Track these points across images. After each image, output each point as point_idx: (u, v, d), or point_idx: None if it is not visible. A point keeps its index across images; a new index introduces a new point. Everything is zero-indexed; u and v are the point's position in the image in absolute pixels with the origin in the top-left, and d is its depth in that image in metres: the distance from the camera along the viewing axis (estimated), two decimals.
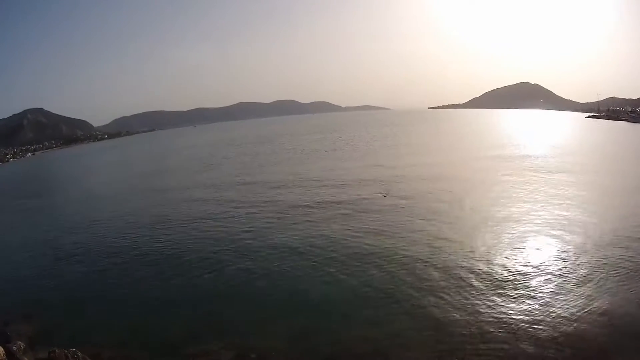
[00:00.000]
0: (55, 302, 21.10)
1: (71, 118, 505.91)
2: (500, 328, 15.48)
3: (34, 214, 45.22)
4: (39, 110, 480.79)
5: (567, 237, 24.57)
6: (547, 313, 16.22)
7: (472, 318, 16.21)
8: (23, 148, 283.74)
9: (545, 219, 28.33)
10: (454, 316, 16.54)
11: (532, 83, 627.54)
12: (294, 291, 20.04)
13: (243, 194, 44.50)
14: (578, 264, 20.67)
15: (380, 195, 32.56)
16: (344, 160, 67.61)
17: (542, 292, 17.95)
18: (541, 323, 15.54)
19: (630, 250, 21.92)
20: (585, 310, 16.39)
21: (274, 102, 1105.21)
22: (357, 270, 21.81)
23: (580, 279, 19.03)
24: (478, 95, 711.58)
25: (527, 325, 15.46)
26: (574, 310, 16.41)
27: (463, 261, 21.68)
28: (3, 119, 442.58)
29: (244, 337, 16.23)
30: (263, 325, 17.13)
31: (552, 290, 18.20)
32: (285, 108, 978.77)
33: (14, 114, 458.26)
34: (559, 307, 16.65)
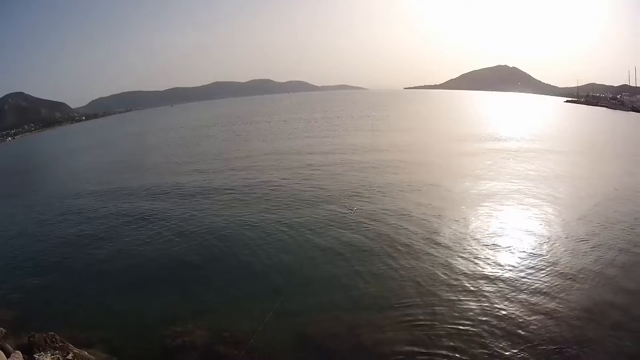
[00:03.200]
0: (34, 286, 20.98)
1: (50, 100, 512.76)
2: (479, 311, 15.95)
3: (11, 198, 44.01)
4: (20, 95, 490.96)
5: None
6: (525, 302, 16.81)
7: (452, 304, 16.52)
8: (3, 132, 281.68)
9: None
10: (431, 300, 16.84)
11: (510, 66, 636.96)
12: (269, 271, 20.21)
13: (223, 174, 44.38)
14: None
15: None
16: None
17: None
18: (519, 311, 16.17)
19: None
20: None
21: (250, 81, 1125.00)
22: (334, 251, 21.97)
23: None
24: (455, 77, 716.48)
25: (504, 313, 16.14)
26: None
27: (442, 249, 21.82)
28: None
29: (218, 318, 16.39)
30: (237, 305, 17.38)
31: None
32: (262, 87, 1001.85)
33: None
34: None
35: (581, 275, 18.23)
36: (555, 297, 16.56)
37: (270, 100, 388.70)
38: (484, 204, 28.89)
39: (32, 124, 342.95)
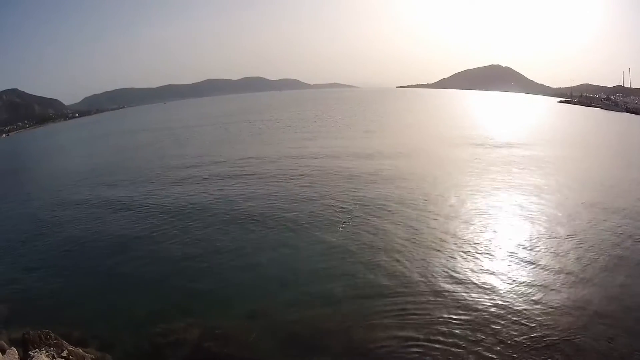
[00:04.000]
0: (28, 283, 21.05)
1: (44, 97, 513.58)
2: (472, 308, 16.13)
3: (5, 194, 44.24)
4: (14, 91, 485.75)
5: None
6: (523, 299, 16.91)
7: (445, 301, 16.72)
8: None
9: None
10: (423, 298, 16.98)
11: (503, 66, 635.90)
12: (260, 269, 20.39)
13: (218, 168, 44.74)
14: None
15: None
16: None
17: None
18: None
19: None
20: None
21: (242, 78, 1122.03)
22: (325, 248, 22.16)
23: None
24: (448, 76, 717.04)
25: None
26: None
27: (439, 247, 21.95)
28: None
29: (210, 315, 16.52)
30: (228, 302, 17.51)
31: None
32: (254, 85, 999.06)
33: None
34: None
35: (584, 273, 18.48)
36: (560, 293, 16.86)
37: (261, 98, 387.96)
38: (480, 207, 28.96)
39: (26, 121, 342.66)
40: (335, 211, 27.91)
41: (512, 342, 13.93)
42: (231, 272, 20.49)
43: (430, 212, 27.30)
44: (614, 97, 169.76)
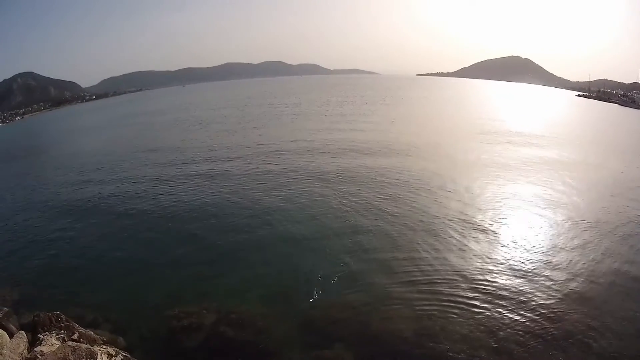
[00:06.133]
0: (38, 266, 21.18)
1: (60, 80, 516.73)
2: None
3: (17, 179, 44.40)
4: (29, 74, 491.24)
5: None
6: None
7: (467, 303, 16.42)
8: (12, 112, 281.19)
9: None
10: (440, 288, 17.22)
11: (523, 57, 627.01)
12: (276, 256, 20.36)
13: (232, 155, 44.65)
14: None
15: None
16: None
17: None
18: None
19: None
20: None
21: (262, 62, 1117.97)
22: (340, 237, 22.22)
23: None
24: (467, 66, 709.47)
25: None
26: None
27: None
28: None
29: (225, 300, 16.56)
30: (244, 287, 17.53)
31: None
32: (273, 69, 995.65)
33: (4, 79, 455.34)
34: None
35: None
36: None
37: (282, 82, 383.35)
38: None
39: (41, 104, 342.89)
40: (353, 205, 27.38)
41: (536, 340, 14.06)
42: (247, 258, 20.36)
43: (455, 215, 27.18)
44: (631, 94, 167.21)
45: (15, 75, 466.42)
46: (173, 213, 27.44)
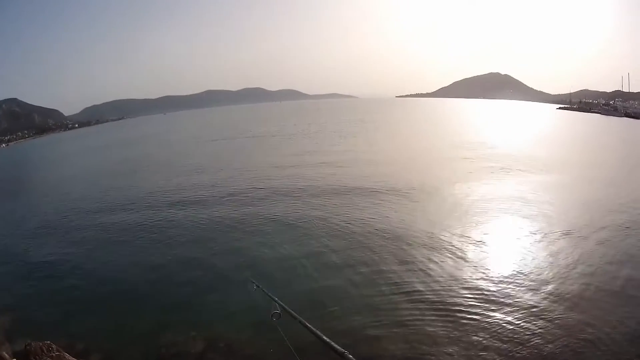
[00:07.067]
0: (30, 293, 20.95)
1: (43, 107, 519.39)
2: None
3: (6, 203, 44.65)
4: (14, 101, 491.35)
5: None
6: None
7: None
8: None
9: None
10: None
11: (502, 74, 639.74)
12: (265, 280, 15.54)
13: (220, 181, 44.36)
14: None
15: None
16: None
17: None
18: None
19: None
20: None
21: (242, 89, 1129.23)
22: (331, 257, 22.00)
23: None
24: (447, 85, 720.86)
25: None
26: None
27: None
28: None
29: (213, 327, 16.35)
30: (233, 315, 17.18)
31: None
32: (253, 95, 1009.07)
33: None
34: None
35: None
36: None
37: (262, 108, 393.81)
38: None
39: (25, 131, 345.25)
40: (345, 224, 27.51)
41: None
42: (236, 283, 19.84)
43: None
44: (613, 102, 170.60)
45: (0, 101, 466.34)
46: (161, 240, 27.25)
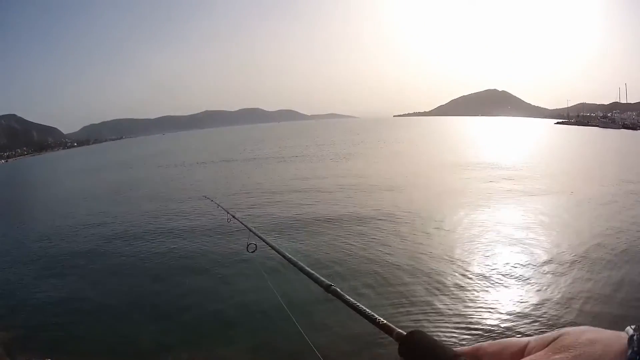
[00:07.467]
0: (29, 311, 20.66)
1: (42, 125, 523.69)
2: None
3: (8, 220, 44.26)
4: (12, 117, 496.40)
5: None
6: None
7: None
8: None
9: None
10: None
11: (500, 90, 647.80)
12: (265, 300, 18.65)
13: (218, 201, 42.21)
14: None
15: None
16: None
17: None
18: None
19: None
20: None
21: (240, 110, 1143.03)
22: (327, 273, 17.90)
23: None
24: (444, 103, 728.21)
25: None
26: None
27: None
28: None
29: (214, 347, 16.10)
30: (230, 333, 17.07)
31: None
32: (252, 116, 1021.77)
33: None
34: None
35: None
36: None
37: (261, 130, 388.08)
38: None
39: (24, 148, 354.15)
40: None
41: None
42: (236, 304, 19.56)
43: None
44: (611, 114, 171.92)
45: None
46: (161, 262, 26.79)
